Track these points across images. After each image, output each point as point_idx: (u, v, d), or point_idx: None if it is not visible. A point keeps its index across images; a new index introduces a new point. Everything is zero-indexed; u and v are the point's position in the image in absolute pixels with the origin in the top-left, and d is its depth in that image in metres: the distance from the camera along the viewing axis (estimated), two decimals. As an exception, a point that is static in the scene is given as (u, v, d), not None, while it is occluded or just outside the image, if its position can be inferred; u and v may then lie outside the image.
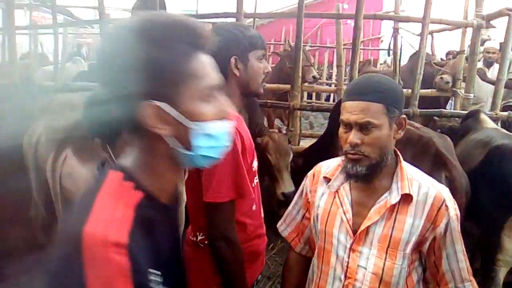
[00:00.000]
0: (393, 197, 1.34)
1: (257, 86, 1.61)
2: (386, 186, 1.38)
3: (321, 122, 8.12)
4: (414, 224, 1.32)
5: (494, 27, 4.56)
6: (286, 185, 3.32)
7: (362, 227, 1.35)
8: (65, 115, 3.17)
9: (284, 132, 4.35)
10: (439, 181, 2.57)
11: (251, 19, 7.76)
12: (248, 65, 1.57)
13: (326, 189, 1.49)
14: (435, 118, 4.28)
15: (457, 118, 4.31)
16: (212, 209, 1.46)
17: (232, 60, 1.54)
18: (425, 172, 2.61)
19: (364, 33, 10.80)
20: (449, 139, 3.04)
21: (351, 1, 5.55)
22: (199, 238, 1.59)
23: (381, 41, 10.55)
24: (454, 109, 4.89)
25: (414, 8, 5.08)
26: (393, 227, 1.33)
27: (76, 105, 3.36)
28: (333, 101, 7.52)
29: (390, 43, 5.33)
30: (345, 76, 5.71)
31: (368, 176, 1.35)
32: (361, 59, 9.25)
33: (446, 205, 1.34)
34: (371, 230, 1.35)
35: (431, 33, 6.12)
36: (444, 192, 1.38)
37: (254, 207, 1.67)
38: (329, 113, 6.92)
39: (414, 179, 1.40)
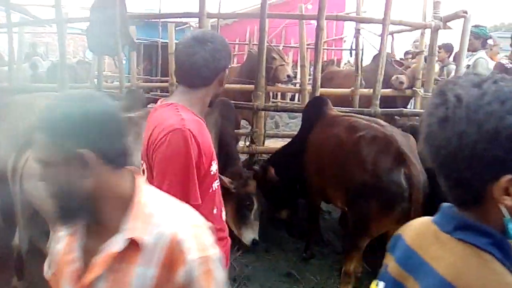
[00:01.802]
0: (117, 243, 1.02)
1: (215, 98, 1.69)
2: (117, 226, 1.04)
3: (286, 121, 8.16)
4: (146, 275, 1.01)
5: (451, 28, 4.72)
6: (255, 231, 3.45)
7: (85, 282, 1.03)
8: (23, 117, 3.07)
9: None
10: (398, 177, 2.67)
11: (215, 19, 7.75)
12: (219, 79, 1.62)
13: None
14: (396, 117, 4.39)
15: (417, 117, 4.44)
16: None
17: (227, 70, 1.62)
18: (386, 169, 2.71)
19: (327, 33, 10.96)
20: (412, 138, 3.14)
21: (314, 2, 5.60)
22: None
23: (344, 41, 10.70)
24: (415, 108, 5.02)
25: (376, 10, 5.18)
26: (119, 280, 1.02)
27: (35, 106, 3.26)
28: (298, 100, 7.56)
29: (352, 43, 5.41)
30: (309, 75, 5.75)
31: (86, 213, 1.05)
32: (325, 59, 9.40)
33: (181, 248, 1.00)
34: (96, 286, 1.03)
35: (392, 33, 6.27)
36: (184, 230, 1.03)
37: (215, 211, 1.65)
38: (293, 113, 7.02)
39: (154, 214, 1.05)
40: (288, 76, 5.08)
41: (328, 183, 3.33)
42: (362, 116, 3.61)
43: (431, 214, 2.64)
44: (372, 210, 2.74)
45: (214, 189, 1.64)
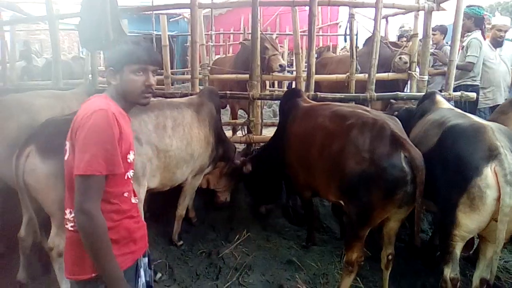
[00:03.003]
0: None
1: (135, 97, 1.78)
2: None
3: (284, 110, 8.15)
4: None
5: (445, 9, 4.68)
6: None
7: None
8: (14, 116, 3.07)
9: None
10: (398, 161, 2.65)
11: (208, 10, 7.72)
12: (123, 77, 1.75)
13: None
14: (392, 101, 4.37)
15: (413, 100, 4.43)
16: (82, 181, 1.54)
17: (109, 70, 1.76)
18: (384, 153, 2.69)
19: (322, 19, 10.92)
20: (398, 120, 3.13)
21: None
22: (71, 215, 1.66)
23: (339, 27, 10.66)
24: (410, 91, 5.00)
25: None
26: None
27: (27, 105, 3.25)
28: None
29: (346, 28, 5.37)
30: (305, 63, 5.73)
31: None
32: (321, 46, 9.35)
33: None
34: None
35: (386, 17, 6.22)
36: None
37: (126, 194, 1.76)
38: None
39: None
40: (281, 65, 5.03)
41: (318, 178, 3.19)
42: (341, 104, 3.52)
43: (427, 196, 2.65)
44: (374, 199, 2.66)
45: (128, 177, 1.76)
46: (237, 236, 3.86)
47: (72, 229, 1.66)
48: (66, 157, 1.69)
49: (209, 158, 3.76)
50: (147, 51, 1.78)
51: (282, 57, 9.89)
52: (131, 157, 1.75)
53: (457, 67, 5.22)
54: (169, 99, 3.68)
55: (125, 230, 1.73)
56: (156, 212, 4.08)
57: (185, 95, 4.41)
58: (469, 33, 5.52)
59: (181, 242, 3.76)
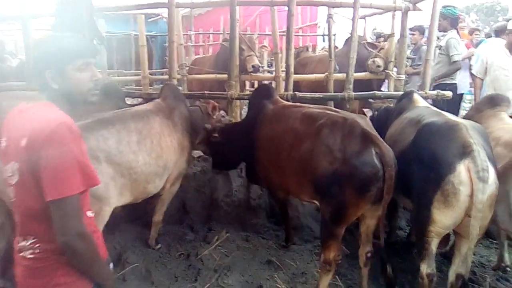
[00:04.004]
0: None
1: (82, 97, 1.63)
2: None
3: (264, 110, 8.15)
4: None
5: (421, 10, 4.74)
6: None
7: None
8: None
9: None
10: (370, 157, 2.68)
11: (187, 10, 7.67)
12: (67, 77, 1.58)
13: None
14: (370, 100, 4.41)
15: (390, 99, 4.48)
16: (63, 205, 1.42)
17: (47, 74, 1.56)
18: (355, 151, 2.71)
19: (301, 19, 10.97)
20: (367, 118, 3.20)
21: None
22: (29, 242, 1.52)
23: (318, 27, 10.71)
24: (388, 90, 5.06)
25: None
26: None
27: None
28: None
29: (324, 28, 5.40)
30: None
31: None
32: (301, 46, 9.39)
33: None
34: None
35: (364, 17, 6.29)
36: None
37: (90, 214, 1.67)
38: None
39: None
40: (253, 66, 5.02)
41: (290, 180, 3.18)
42: (311, 105, 3.52)
43: (404, 193, 2.68)
44: (348, 197, 2.68)
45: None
46: (216, 237, 3.84)
47: (33, 256, 1.52)
48: (14, 181, 1.50)
49: (185, 163, 3.63)
50: (85, 42, 1.67)
51: (263, 57, 9.95)
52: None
53: (450, 71, 5.34)
54: (134, 109, 3.40)
55: None
56: (134, 215, 4.02)
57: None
58: (445, 33, 5.63)
59: (158, 246, 3.70)
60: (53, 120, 1.45)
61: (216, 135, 3.72)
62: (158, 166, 3.21)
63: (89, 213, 1.68)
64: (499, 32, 6.06)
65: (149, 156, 3.11)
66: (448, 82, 5.55)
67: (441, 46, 5.67)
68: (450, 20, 5.57)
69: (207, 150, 4.01)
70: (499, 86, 5.17)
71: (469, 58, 6.33)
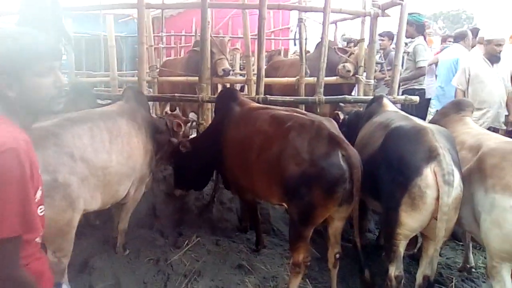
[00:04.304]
0: None
1: (44, 105, 1.39)
2: None
3: (235, 113, 8.13)
4: None
5: (389, 16, 4.84)
6: None
7: None
8: None
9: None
10: (337, 159, 2.71)
11: (158, 11, 7.58)
12: (25, 84, 1.33)
13: None
14: (341, 104, 4.46)
15: (360, 104, 4.54)
16: None
17: (1, 80, 1.30)
18: (322, 153, 2.74)
19: (274, 23, 11.01)
20: (333, 121, 3.25)
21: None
22: None
23: (291, 31, 10.77)
24: (358, 95, 5.13)
25: (318, -1, 5.21)
26: None
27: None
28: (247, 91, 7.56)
29: (295, 32, 5.44)
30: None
31: None
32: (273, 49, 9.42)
33: None
34: None
35: (335, 22, 6.37)
36: None
37: (38, 240, 1.44)
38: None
39: None
40: (223, 70, 5.02)
41: (258, 182, 3.17)
42: (278, 107, 3.53)
43: (373, 196, 2.73)
44: (315, 198, 2.71)
45: (39, 216, 1.39)
46: (186, 242, 3.78)
47: None
48: None
49: (148, 167, 3.49)
50: (46, 42, 1.37)
51: (235, 60, 9.94)
52: (39, 194, 1.38)
53: (413, 76, 5.47)
54: (99, 109, 3.30)
55: (35, 273, 1.43)
56: (102, 218, 3.92)
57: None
58: (412, 39, 5.77)
59: (127, 252, 3.59)
60: (6, 144, 1.21)
61: (183, 148, 3.68)
62: (129, 167, 3.10)
63: (38, 239, 1.46)
64: (458, 38, 6.26)
65: (121, 156, 3.00)
66: (416, 87, 5.69)
67: (409, 52, 5.82)
68: (416, 27, 5.72)
69: (171, 165, 3.96)
70: (480, 98, 4.99)
71: (435, 63, 6.52)
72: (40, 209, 1.43)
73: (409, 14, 5.46)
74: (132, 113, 3.39)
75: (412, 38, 5.79)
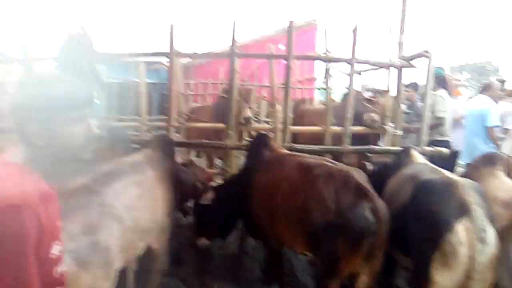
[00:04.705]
0: None
1: (75, 152, 1.34)
2: None
3: (260, 160, 8.14)
4: None
5: (415, 67, 4.86)
6: None
7: None
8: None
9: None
10: (363, 211, 2.64)
11: (188, 59, 7.85)
12: (55, 132, 1.28)
13: None
14: (368, 154, 4.41)
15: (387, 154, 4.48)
16: None
17: (30, 126, 1.25)
18: (349, 204, 2.67)
19: (300, 73, 11.22)
20: (362, 172, 3.18)
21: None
22: None
23: (316, 80, 10.95)
24: (385, 145, 5.07)
25: (345, 49, 5.30)
26: None
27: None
28: (272, 139, 7.59)
29: (321, 82, 5.52)
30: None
31: None
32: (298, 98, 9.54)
33: None
34: None
35: (359, 72, 6.43)
36: None
37: None
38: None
39: None
40: (245, 118, 5.07)
41: (285, 229, 3.10)
42: (307, 155, 3.51)
43: (395, 249, 2.62)
44: (340, 249, 2.64)
45: (61, 273, 1.31)
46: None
47: None
48: None
49: (169, 217, 3.31)
50: (81, 90, 1.33)
51: (260, 107, 10.07)
52: (55, 250, 1.27)
53: (431, 125, 5.41)
54: (129, 160, 3.16)
55: None
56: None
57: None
58: (434, 93, 5.79)
59: None
60: (7, 200, 1.13)
61: (205, 200, 3.66)
62: (152, 221, 2.93)
63: None
64: (484, 89, 6.22)
65: (147, 211, 2.84)
66: (439, 139, 5.60)
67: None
68: (438, 80, 5.73)
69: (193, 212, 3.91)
70: None
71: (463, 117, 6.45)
72: (61, 267, 1.33)
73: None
74: (157, 162, 3.32)
75: (433, 91, 5.80)
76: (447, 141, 5.73)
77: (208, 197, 3.69)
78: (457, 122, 6.41)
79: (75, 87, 1.32)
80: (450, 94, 6.54)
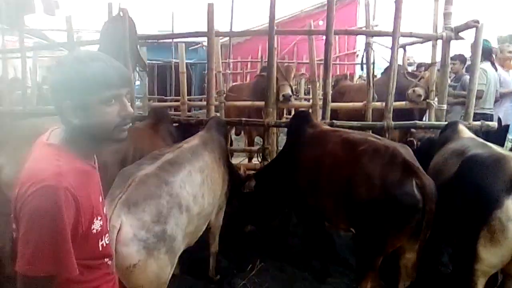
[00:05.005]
0: None
1: (108, 134, 1.34)
2: None
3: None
4: None
5: (463, 38, 4.64)
6: None
7: None
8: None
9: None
10: (411, 189, 2.58)
11: (226, 38, 7.85)
12: (90, 111, 1.29)
13: None
14: (412, 130, 4.30)
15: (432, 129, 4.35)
16: (23, 281, 1.19)
17: (66, 105, 1.27)
18: (396, 180, 2.62)
19: (339, 48, 11.01)
20: (409, 148, 3.10)
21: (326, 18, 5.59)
22: None
23: (357, 56, 10.70)
24: (429, 120, 4.92)
25: (388, 23, 5.13)
26: None
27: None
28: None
29: (362, 57, 5.37)
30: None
31: None
32: (338, 74, 9.38)
33: None
34: None
35: (404, 46, 6.21)
36: None
37: (108, 261, 1.49)
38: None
39: None
40: (283, 95, 5.02)
41: (328, 206, 3.10)
42: (351, 131, 3.45)
43: (440, 225, 2.57)
44: (386, 227, 2.60)
45: (104, 245, 1.42)
46: (250, 266, 3.77)
47: None
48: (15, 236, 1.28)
49: (225, 196, 3.48)
50: (116, 69, 1.33)
51: (300, 85, 9.99)
52: (96, 226, 1.35)
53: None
54: (188, 146, 3.12)
55: None
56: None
57: (201, 121, 4.43)
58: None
59: (217, 277, 3.61)
60: (38, 178, 1.19)
61: (247, 189, 3.69)
62: (213, 204, 3.05)
63: (109, 261, 1.52)
64: None
65: (209, 196, 2.93)
66: (478, 111, 5.38)
67: None
68: (482, 52, 5.45)
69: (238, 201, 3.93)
70: None
71: None
72: (106, 236, 1.45)
73: None
74: (212, 144, 3.39)
75: None
76: (487, 114, 5.52)
77: (251, 185, 3.71)
78: (508, 96, 6.11)
79: (110, 66, 1.31)
80: (502, 66, 6.24)
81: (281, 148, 5.33)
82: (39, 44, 7.23)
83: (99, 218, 1.37)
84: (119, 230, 2.08)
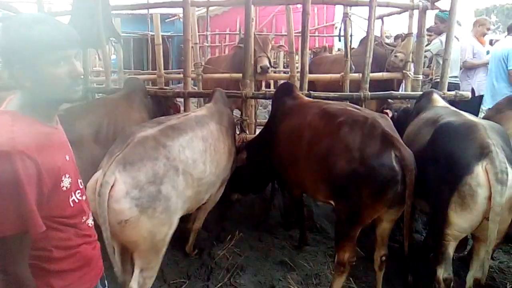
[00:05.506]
0: None
1: (60, 95, 1.37)
2: None
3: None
4: None
5: (439, 8, 4.66)
6: None
7: None
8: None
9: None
10: (389, 160, 2.60)
11: (203, 10, 7.71)
12: (39, 74, 1.31)
13: None
14: (389, 100, 4.33)
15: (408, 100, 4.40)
16: None
17: (16, 69, 1.31)
18: (374, 152, 2.65)
19: (318, 20, 10.92)
20: (389, 118, 3.10)
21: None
22: None
23: (335, 28, 10.63)
24: (405, 91, 4.98)
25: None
26: None
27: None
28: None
29: (340, 28, 5.35)
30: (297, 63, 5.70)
31: None
32: (317, 46, 9.34)
33: None
34: None
35: (381, 17, 6.20)
36: None
37: (83, 219, 1.55)
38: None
39: None
40: (261, 67, 4.98)
41: (307, 177, 3.08)
42: (332, 101, 3.46)
43: (420, 195, 2.62)
44: (364, 198, 2.61)
45: (76, 201, 1.48)
46: (229, 236, 3.82)
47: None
48: None
49: (231, 170, 3.50)
50: (62, 31, 1.34)
51: (279, 57, 9.91)
52: (66, 183, 1.40)
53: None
54: (193, 115, 3.14)
55: (83, 258, 1.53)
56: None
57: (177, 93, 4.39)
58: (440, 36, 5.68)
59: (195, 252, 3.64)
60: None
61: (243, 154, 3.72)
62: (217, 175, 3.09)
63: (90, 222, 1.60)
64: (509, 32, 5.94)
65: (212, 165, 2.96)
66: (450, 82, 5.48)
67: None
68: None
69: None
70: None
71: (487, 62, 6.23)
72: (78, 193, 1.50)
73: (440, 11, 5.32)
74: (219, 116, 3.38)
75: (440, 34, 5.68)
76: (455, 83, 5.70)
77: (242, 158, 3.70)
78: (482, 66, 6.21)
79: (55, 28, 1.32)
80: (477, 38, 6.33)
81: (260, 121, 5.36)
82: (6, 16, 6.91)
83: (67, 175, 1.42)
84: (112, 186, 2.15)
